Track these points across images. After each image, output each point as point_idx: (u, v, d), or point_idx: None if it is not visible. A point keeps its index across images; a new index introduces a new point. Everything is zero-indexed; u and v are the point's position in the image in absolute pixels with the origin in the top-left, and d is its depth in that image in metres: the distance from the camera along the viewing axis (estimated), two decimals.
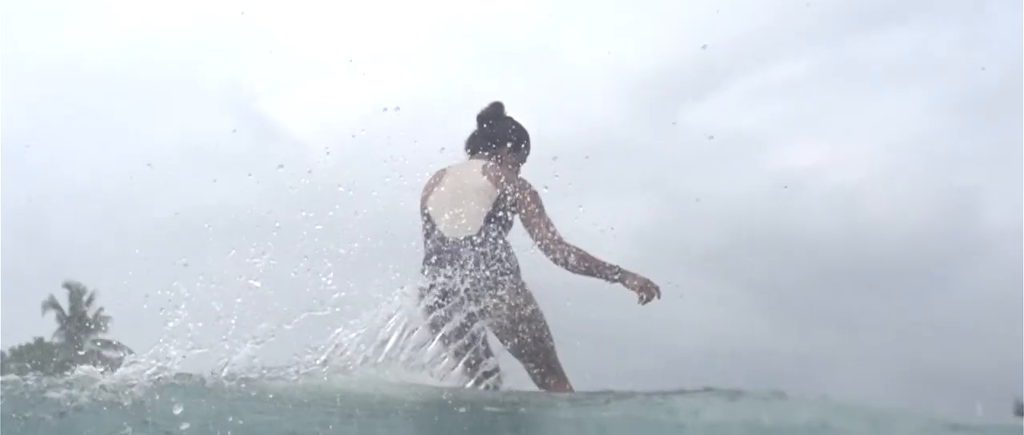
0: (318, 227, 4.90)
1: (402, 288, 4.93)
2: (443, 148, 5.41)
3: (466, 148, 5.56)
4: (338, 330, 4.71)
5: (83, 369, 3.97)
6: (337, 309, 4.74)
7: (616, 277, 5.13)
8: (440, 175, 5.38)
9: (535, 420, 4.30)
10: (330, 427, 3.76)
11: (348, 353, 4.68)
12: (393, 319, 4.83)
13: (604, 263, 5.13)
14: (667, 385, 4.84)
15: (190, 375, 4.13)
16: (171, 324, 4.34)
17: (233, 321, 4.43)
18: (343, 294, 4.76)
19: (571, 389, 5.15)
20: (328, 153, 5.19)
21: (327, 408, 3.95)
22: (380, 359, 4.74)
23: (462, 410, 4.18)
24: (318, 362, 4.57)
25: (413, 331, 4.87)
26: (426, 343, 4.89)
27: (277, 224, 4.87)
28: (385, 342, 4.79)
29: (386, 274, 4.98)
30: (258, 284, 4.60)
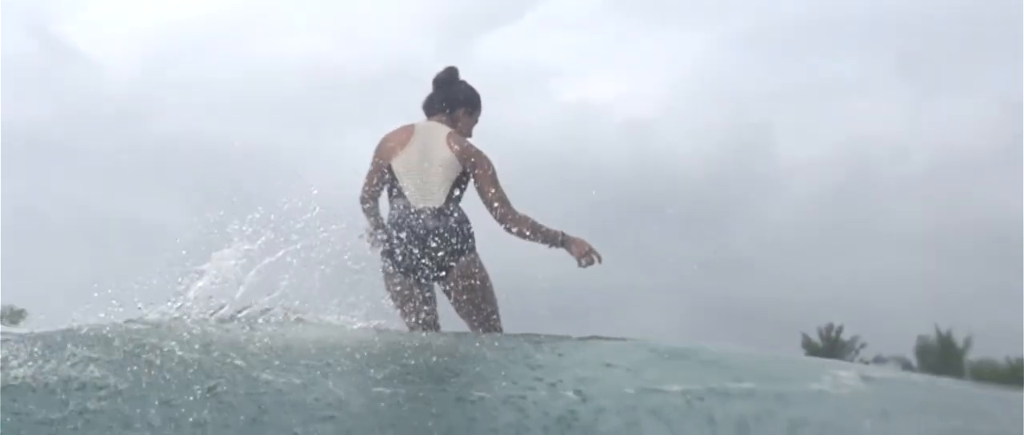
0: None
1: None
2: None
3: (423, 109, 5.93)
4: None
5: None
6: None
7: (560, 242, 5.63)
8: (407, 135, 5.76)
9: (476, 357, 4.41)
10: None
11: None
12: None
13: (550, 230, 5.65)
14: None
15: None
16: None
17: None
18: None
19: None
20: None
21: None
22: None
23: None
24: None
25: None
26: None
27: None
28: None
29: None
30: None
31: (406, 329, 5.40)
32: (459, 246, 5.51)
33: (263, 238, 4.80)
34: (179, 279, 4.64)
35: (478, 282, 5.59)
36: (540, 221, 5.69)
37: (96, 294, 4.52)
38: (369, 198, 5.87)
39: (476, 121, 5.98)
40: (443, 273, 5.52)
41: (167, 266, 4.79)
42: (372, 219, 5.86)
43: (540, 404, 3.60)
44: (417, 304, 5.45)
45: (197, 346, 3.86)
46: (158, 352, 3.76)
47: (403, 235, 5.47)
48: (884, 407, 4.09)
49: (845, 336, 49.52)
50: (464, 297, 5.57)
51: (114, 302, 4.50)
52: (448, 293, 5.61)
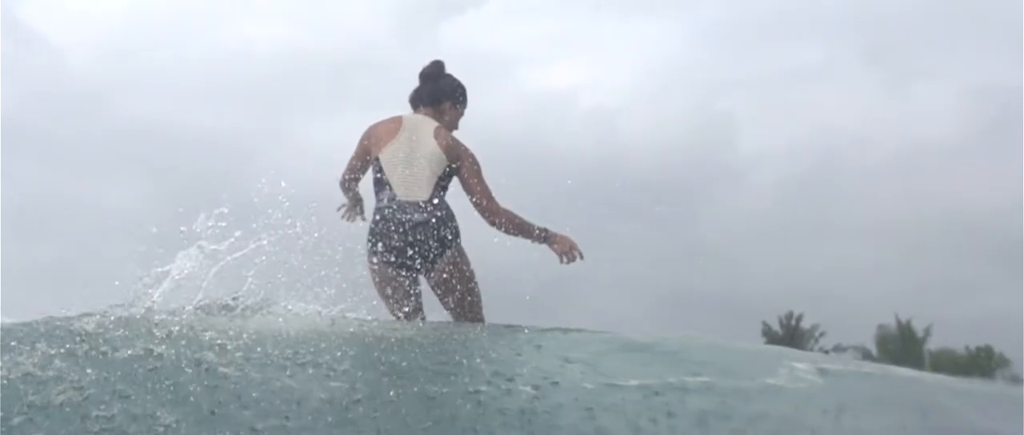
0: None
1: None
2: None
3: (410, 102, 6.07)
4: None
5: None
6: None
7: (542, 238, 5.82)
8: (395, 127, 5.86)
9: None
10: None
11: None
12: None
13: (533, 225, 5.82)
14: None
15: None
16: None
17: None
18: None
19: None
20: None
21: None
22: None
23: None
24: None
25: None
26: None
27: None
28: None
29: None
30: None
31: (391, 318, 5.50)
32: (444, 239, 5.64)
33: (230, 239, 4.76)
34: (143, 278, 4.60)
35: (462, 274, 5.72)
36: (524, 217, 5.84)
37: (63, 294, 4.50)
38: (350, 182, 6.05)
39: (462, 114, 6.11)
40: (429, 265, 5.65)
41: (132, 262, 4.76)
42: (351, 196, 6.08)
43: (498, 399, 3.62)
44: (403, 295, 5.61)
45: (160, 341, 3.85)
46: (120, 346, 3.76)
47: (390, 227, 5.60)
48: (840, 402, 4.12)
49: (805, 324, 49.80)
50: (449, 289, 5.69)
51: (78, 297, 4.48)
52: (433, 285, 5.75)
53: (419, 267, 5.65)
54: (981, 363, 46.98)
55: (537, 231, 5.81)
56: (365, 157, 5.89)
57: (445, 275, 5.68)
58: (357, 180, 6.05)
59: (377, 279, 5.64)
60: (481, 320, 5.77)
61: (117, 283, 4.54)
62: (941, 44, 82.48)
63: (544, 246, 5.82)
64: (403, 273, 5.63)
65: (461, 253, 5.74)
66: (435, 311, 5.78)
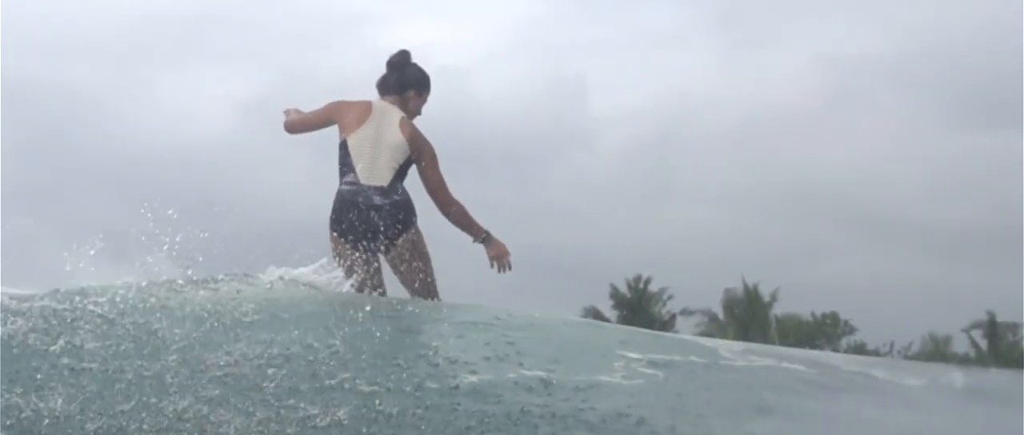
0: None
1: None
2: None
3: (377, 88, 6.40)
4: None
5: None
6: None
7: (482, 238, 6.26)
8: (364, 112, 6.25)
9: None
10: None
11: None
12: None
13: (478, 224, 6.29)
14: None
15: None
16: None
17: None
18: None
19: None
20: None
21: None
22: None
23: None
24: None
25: None
26: None
27: None
28: None
29: None
30: None
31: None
32: (403, 222, 6.06)
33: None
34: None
35: (420, 254, 6.13)
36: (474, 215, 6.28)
37: None
38: (295, 133, 6.54)
39: (425, 101, 6.46)
40: (388, 245, 6.04)
41: None
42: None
43: (330, 408, 3.58)
44: (362, 271, 5.86)
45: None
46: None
47: (353, 209, 5.97)
48: (674, 404, 4.13)
49: (653, 287, 50.12)
50: (407, 267, 6.08)
51: None
52: (392, 263, 6.14)
53: (380, 247, 6.02)
54: (827, 330, 47.78)
55: (480, 230, 6.26)
56: (321, 125, 6.38)
57: (404, 255, 6.07)
58: (302, 131, 6.50)
59: (337, 256, 5.97)
60: (436, 296, 6.13)
61: None
62: (791, 12, 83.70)
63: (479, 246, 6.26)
64: (363, 251, 5.90)
65: (418, 235, 6.14)
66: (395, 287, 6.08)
